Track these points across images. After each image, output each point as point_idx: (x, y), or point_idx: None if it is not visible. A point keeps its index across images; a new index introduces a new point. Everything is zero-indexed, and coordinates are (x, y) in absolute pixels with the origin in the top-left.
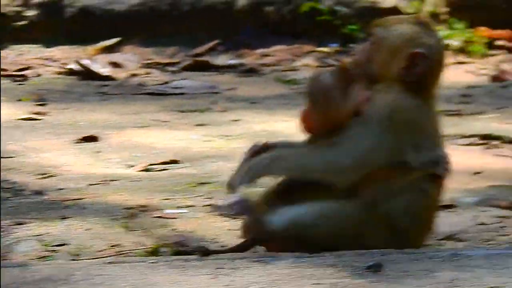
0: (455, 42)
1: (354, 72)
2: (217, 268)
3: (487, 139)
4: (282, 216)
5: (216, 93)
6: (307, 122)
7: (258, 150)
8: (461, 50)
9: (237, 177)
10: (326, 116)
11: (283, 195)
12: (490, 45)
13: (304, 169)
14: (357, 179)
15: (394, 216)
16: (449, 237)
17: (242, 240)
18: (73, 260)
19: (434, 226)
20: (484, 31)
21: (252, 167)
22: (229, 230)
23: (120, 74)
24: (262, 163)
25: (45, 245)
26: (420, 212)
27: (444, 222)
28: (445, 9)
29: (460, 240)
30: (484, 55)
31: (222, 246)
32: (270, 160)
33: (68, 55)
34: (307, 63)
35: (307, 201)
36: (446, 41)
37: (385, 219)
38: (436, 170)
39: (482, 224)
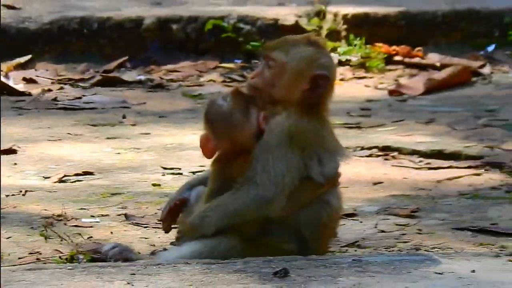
0: (354, 58)
1: (250, 95)
2: (132, 274)
3: (386, 150)
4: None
5: (126, 107)
6: (207, 147)
7: (174, 208)
8: (360, 66)
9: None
10: (226, 140)
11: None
12: (388, 60)
13: (235, 216)
14: (284, 203)
15: (303, 227)
16: (352, 244)
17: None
18: None
19: (337, 233)
20: (382, 47)
21: (186, 232)
22: (141, 238)
23: (34, 89)
24: (194, 225)
25: None
26: (325, 222)
27: (347, 230)
28: (344, 26)
29: (362, 247)
30: (382, 70)
31: (136, 253)
32: (200, 221)
33: None
34: (212, 78)
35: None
36: (346, 57)
37: (294, 230)
38: (335, 184)
39: (383, 231)
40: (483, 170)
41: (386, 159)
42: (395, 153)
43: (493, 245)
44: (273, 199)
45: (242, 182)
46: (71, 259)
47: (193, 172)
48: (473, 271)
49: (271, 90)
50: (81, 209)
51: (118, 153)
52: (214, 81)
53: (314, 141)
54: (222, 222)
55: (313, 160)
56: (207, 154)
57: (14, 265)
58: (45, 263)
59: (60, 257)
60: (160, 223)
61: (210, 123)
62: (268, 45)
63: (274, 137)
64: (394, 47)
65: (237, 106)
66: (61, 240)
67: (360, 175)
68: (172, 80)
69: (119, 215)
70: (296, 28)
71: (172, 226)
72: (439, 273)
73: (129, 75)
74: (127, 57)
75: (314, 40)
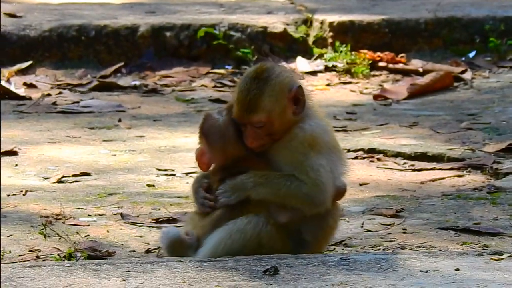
0: (340, 64)
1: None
2: (128, 271)
3: (371, 153)
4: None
5: (122, 111)
6: (202, 160)
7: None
8: (346, 71)
9: (223, 195)
10: (220, 154)
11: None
12: (373, 66)
13: (283, 198)
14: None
15: (305, 230)
16: (339, 243)
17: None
18: None
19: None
20: (366, 54)
21: (238, 187)
22: (136, 237)
23: (34, 94)
24: (246, 185)
25: None
26: (330, 226)
27: None
28: (330, 33)
29: (349, 246)
30: (367, 76)
31: (131, 251)
32: (253, 184)
33: None
34: (204, 83)
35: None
36: (332, 63)
37: (293, 233)
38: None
39: (369, 231)
40: (465, 172)
41: (371, 161)
42: (380, 155)
43: (476, 244)
44: (324, 202)
45: (293, 178)
46: (69, 256)
47: (186, 173)
48: (457, 269)
49: (275, 138)
50: (79, 208)
51: (114, 155)
52: (206, 86)
53: (325, 141)
54: (268, 196)
55: (336, 164)
56: (202, 166)
57: (14, 262)
58: (44, 260)
59: (58, 254)
60: (154, 223)
61: (205, 137)
62: (241, 115)
63: (298, 153)
64: (378, 54)
65: (231, 121)
66: (60, 238)
67: (346, 176)
68: (165, 85)
69: (115, 214)
70: (284, 36)
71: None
72: (424, 271)
73: (125, 80)
74: (123, 63)
75: (260, 73)
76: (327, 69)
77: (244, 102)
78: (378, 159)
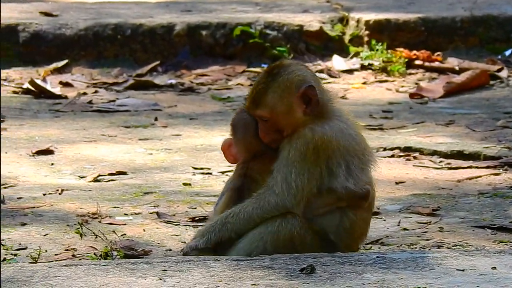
0: (376, 62)
1: None
2: (164, 270)
3: (408, 151)
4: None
5: (158, 110)
6: (228, 152)
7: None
8: (382, 70)
9: (192, 243)
10: (244, 148)
11: None
12: (409, 64)
13: (255, 222)
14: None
15: (329, 231)
16: (376, 242)
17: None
18: (32, 263)
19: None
20: (402, 52)
21: (204, 234)
22: (172, 236)
23: (70, 93)
24: (214, 229)
25: (7, 249)
26: (352, 227)
27: (370, 228)
28: (366, 32)
29: (386, 245)
30: (403, 74)
31: (167, 250)
32: (221, 226)
33: (23, 76)
34: (240, 82)
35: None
36: (368, 61)
37: (321, 234)
38: (363, 202)
39: (405, 229)
40: (501, 170)
41: (407, 160)
42: (417, 154)
43: None
44: (291, 209)
45: (263, 190)
46: (106, 255)
47: (222, 172)
48: (494, 267)
49: (284, 133)
50: (115, 207)
51: (150, 154)
52: (241, 84)
53: (340, 144)
54: (243, 227)
55: (341, 167)
56: (229, 158)
57: (50, 261)
58: (80, 259)
59: (94, 253)
60: (190, 221)
61: (232, 128)
62: (249, 106)
63: (298, 151)
64: (414, 52)
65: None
66: (96, 237)
67: (382, 175)
68: (201, 84)
69: (151, 213)
70: (320, 34)
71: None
72: (461, 270)
73: (161, 79)
74: (159, 62)
75: (273, 68)
76: (363, 67)
77: (251, 95)
78: (415, 158)
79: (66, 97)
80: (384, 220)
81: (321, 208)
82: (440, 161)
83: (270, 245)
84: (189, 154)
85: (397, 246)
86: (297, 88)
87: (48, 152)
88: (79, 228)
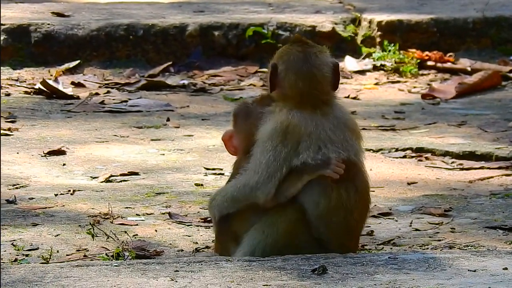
0: (388, 63)
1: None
2: (176, 271)
3: (419, 152)
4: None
5: (170, 110)
6: (230, 143)
7: None
8: (394, 70)
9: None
10: (246, 137)
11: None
12: (421, 65)
13: (231, 201)
14: (273, 190)
15: (310, 223)
16: (387, 242)
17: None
18: (44, 263)
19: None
20: (415, 53)
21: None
22: (184, 236)
23: (82, 93)
24: (208, 204)
25: (18, 249)
26: (329, 216)
27: (382, 228)
28: (378, 33)
29: (398, 245)
30: (416, 75)
31: (179, 251)
32: (209, 202)
33: (34, 76)
34: (252, 82)
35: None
36: (380, 62)
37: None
38: (323, 171)
39: (417, 230)
40: None
41: (419, 160)
42: (428, 155)
43: None
44: (257, 186)
45: (240, 172)
46: (117, 256)
47: None
48: (505, 268)
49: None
50: (127, 208)
51: (162, 154)
52: (254, 85)
53: (308, 131)
54: (222, 205)
55: (310, 149)
56: (229, 149)
57: (62, 262)
58: (92, 260)
59: (106, 254)
60: (202, 222)
61: (235, 120)
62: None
63: (267, 132)
64: (426, 53)
65: (260, 106)
66: (108, 238)
67: (394, 175)
68: (214, 84)
69: (163, 213)
70: (333, 34)
71: None
72: (472, 270)
73: (173, 80)
74: (171, 62)
75: (295, 40)
76: (375, 68)
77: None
78: (427, 158)
79: (78, 98)
80: (396, 221)
81: (288, 189)
82: (452, 162)
83: (270, 237)
84: (201, 155)
85: (409, 247)
86: (275, 60)
87: (60, 152)
88: (90, 228)
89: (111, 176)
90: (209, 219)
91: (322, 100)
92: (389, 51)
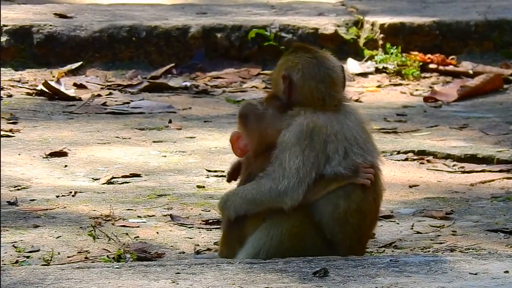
0: (390, 66)
1: (282, 100)
2: (177, 273)
3: (421, 155)
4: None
5: (172, 112)
6: (237, 144)
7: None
8: (397, 73)
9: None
10: (255, 138)
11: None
12: (423, 68)
13: (251, 204)
14: (301, 196)
15: (324, 224)
16: (389, 245)
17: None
18: (45, 265)
19: (367, 235)
20: (417, 55)
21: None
22: (186, 238)
23: (84, 95)
24: (219, 206)
25: (19, 251)
26: (346, 218)
27: (384, 231)
28: (381, 35)
29: (399, 248)
30: (418, 78)
31: (181, 253)
32: (223, 204)
33: (36, 77)
34: (255, 84)
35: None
36: (383, 65)
37: (319, 228)
38: (354, 179)
39: (419, 233)
40: None
41: (421, 163)
42: (430, 157)
43: None
44: (285, 192)
45: (262, 175)
46: (119, 258)
47: None
48: (507, 271)
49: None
50: (128, 209)
51: (164, 156)
52: (256, 87)
53: (334, 131)
54: (241, 207)
55: (338, 153)
56: (237, 151)
57: (63, 264)
58: (93, 262)
59: (107, 256)
60: (203, 224)
61: (243, 120)
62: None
63: (293, 136)
64: (429, 56)
65: (270, 107)
66: (109, 240)
67: (396, 178)
68: (216, 86)
69: (165, 215)
70: (335, 37)
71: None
72: (473, 274)
73: (175, 81)
74: (173, 64)
75: (297, 47)
76: (377, 70)
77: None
78: (428, 161)
79: (80, 99)
80: (398, 224)
81: (315, 194)
82: (454, 165)
83: (276, 239)
84: (203, 157)
85: (410, 250)
86: (284, 70)
87: (61, 154)
88: (92, 230)
89: (113, 177)
90: (210, 221)
91: (340, 100)
92: (392, 53)
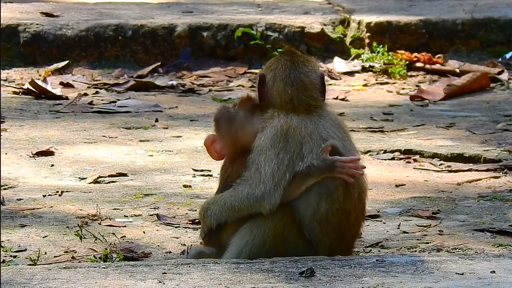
0: (377, 64)
1: (256, 102)
2: (164, 273)
3: (408, 154)
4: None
5: (159, 111)
6: (212, 148)
7: None
8: (383, 72)
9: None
10: (229, 141)
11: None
12: (410, 67)
13: (231, 211)
14: (279, 199)
15: (305, 224)
16: (375, 245)
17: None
18: (32, 265)
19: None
20: (403, 54)
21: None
22: (172, 238)
23: (70, 93)
24: (200, 214)
25: (6, 251)
26: (327, 218)
27: (370, 231)
28: (367, 34)
29: (385, 248)
30: (404, 76)
31: (167, 253)
32: (204, 212)
33: (23, 76)
34: (241, 83)
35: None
36: (369, 64)
37: (299, 226)
38: (331, 173)
39: (405, 232)
40: (501, 173)
41: (408, 162)
42: (417, 156)
43: None
44: (262, 197)
45: (239, 182)
46: (105, 258)
47: None
48: (493, 271)
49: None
50: (115, 209)
51: (151, 155)
52: (243, 86)
53: (309, 131)
54: (221, 215)
55: (313, 152)
56: (213, 154)
57: (50, 263)
58: (80, 262)
59: (94, 256)
60: (190, 224)
61: (216, 124)
62: None
63: (268, 139)
64: (415, 54)
65: (242, 110)
66: (95, 240)
67: (382, 177)
68: (202, 85)
69: (151, 215)
70: (321, 36)
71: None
72: (460, 274)
73: (162, 80)
74: (159, 63)
75: (285, 51)
76: (364, 69)
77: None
78: (415, 160)
79: (66, 98)
80: (384, 223)
81: (291, 193)
82: (440, 164)
83: (258, 239)
84: (189, 156)
85: (397, 249)
86: (263, 71)
87: (48, 153)
88: (78, 230)
89: (99, 177)
90: (197, 220)
91: (314, 105)
92: (378, 52)
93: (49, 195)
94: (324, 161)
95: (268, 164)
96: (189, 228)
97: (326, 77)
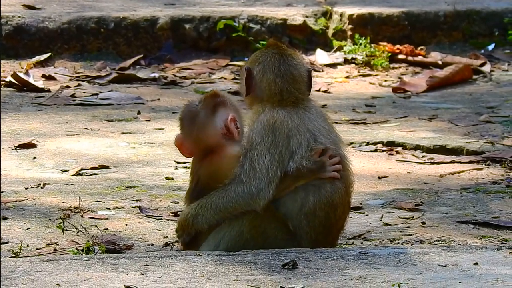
0: (359, 56)
1: (223, 98)
2: (146, 265)
3: (390, 146)
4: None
5: (141, 103)
6: (182, 147)
7: None
8: (365, 64)
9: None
10: (193, 140)
11: None
12: (392, 59)
13: (225, 212)
14: (271, 197)
15: (291, 218)
16: (358, 237)
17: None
18: (14, 257)
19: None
20: (386, 46)
21: (181, 226)
22: (155, 230)
23: (53, 86)
24: (188, 223)
25: None
26: (315, 212)
27: (353, 223)
28: (349, 26)
29: (368, 240)
30: (387, 68)
31: (149, 245)
32: (193, 219)
33: (5, 69)
34: (223, 76)
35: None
36: (351, 56)
37: (282, 220)
38: (321, 174)
39: (388, 224)
40: (484, 165)
41: (390, 154)
42: (399, 148)
43: (495, 238)
44: (257, 193)
45: (230, 180)
46: (87, 250)
47: None
48: (476, 263)
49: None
50: (97, 201)
51: (133, 148)
52: (225, 78)
53: (296, 124)
54: (213, 218)
55: (301, 146)
56: (184, 153)
57: (32, 256)
58: (62, 254)
59: (76, 248)
60: (172, 216)
61: (180, 124)
62: None
63: (257, 134)
64: (397, 46)
65: (204, 108)
66: (78, 232)
67: (365, 169)
68: (185, 78)
69: (134, 207)
70: (304, 28)
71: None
72: (443, 266)
73: (144, 73)
74: (142, 55)
75: (269, 44)
76: (346, 61)
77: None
78: (397, 152)
79: (49, 91)
80: (367, 215)
81: (282, 191)
82: (423, 156)
83: (235, 230)
84: (171, 148)
85: (380, 241)
86: (247, 64)
87: (30, 145)
88: (61, 222)
89: (82, 169)
90: (179, 213)
91: (301, 99)
92: (360, 44)
93: (31, 187)
94: (315, 163)
95: (262, 160)
96: (171, 220)
97: None
